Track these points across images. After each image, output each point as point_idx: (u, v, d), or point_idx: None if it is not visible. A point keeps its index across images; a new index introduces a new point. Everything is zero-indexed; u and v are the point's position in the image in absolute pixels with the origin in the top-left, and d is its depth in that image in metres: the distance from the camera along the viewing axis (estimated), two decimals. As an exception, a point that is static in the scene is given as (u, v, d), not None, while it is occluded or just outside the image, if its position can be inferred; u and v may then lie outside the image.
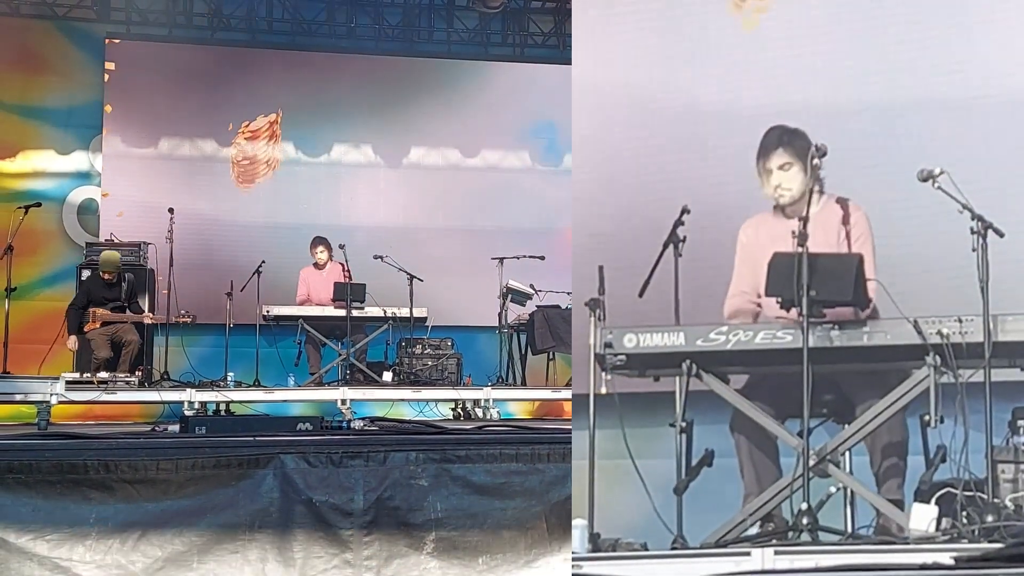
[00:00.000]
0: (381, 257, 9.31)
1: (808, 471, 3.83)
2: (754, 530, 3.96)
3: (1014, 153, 4.52)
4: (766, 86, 4.73)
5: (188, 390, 7.73)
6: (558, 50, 11.62)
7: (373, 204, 11.18)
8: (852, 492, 4.05)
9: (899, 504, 3.94)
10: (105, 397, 7.48)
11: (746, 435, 4.07)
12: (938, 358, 3.82)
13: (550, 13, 11.88)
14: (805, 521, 3.77)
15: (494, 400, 8.32)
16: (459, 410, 8.95)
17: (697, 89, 4.85)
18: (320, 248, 9.57)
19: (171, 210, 9.17)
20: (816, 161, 4.00)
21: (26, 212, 8.64)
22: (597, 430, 3.96)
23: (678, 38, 4.91)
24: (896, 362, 3.93)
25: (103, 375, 7.64)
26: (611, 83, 4.83)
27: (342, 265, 9.24)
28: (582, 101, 4.76)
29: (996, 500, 3.80)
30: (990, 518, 3.73)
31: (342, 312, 8.89)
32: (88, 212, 10.52)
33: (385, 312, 9.15)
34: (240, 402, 7.99)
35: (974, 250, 3.83)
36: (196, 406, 7.57)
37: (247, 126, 10.98)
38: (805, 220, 3.91)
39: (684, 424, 3.99)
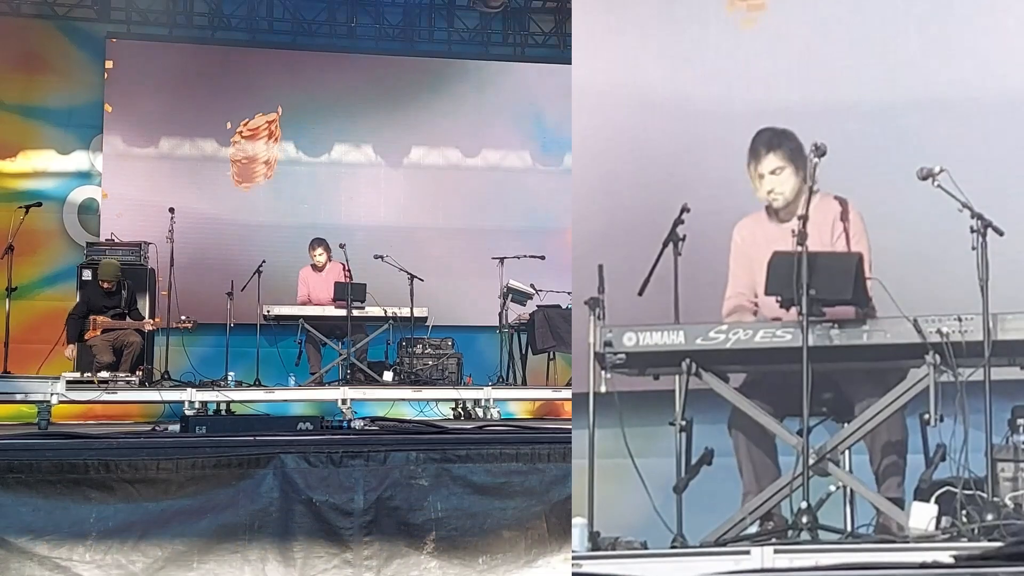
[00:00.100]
0: (381, 257, 9.30)
1: (808, 470, 3.83)
2: (754, 529, 3.96)
3: (1014, 152, 4.51)
4: (766, 85, 4.72)
5: (188, 390, 7.73)
6: (558, 50, 11.62)
7: (373, 204, 11.17)
8: (852, 491, 4.05)
9: (899, 503, 3.94)
10: (105, 397, 7.50)
11: (745, 433, 4.07)
12: (938, 357, 3.81)
13: (550, 13, 11.89)
14: (805, 520, 3.77)
15: (494, 400, 8.33)
16: (459, 410, 8.94)
17: (697, 89, 4.84)
18: (319, 250, 9.55)
19: (172, 210, 9.15)
20: (816, 161, 4.00)
21: (27, 212, 8.65)
22: (597, 429, 3.96)
23: (678, 38, 4.91)
24: (896, 361, 3.93)
25: (104, 375, 7.65)
26: (611, 83, 4.83)
27: (342, 265, 9.22)
28: (582, 101, 4.76)
29: (996, 499, 3.80)
30: (990, 517, 3.73)
31: (342, 312, 8.88)
32: (89, 212, 10.53)
33: (385, 312, 9.15)
34: (240, 402, 8.00)
35: (974, 249, 3.83)
36: (196, 406, 7.58)
37: (246, 124, 10.98)
38: (804, 219, 3.91)
39: (684, 423, 3.98)
